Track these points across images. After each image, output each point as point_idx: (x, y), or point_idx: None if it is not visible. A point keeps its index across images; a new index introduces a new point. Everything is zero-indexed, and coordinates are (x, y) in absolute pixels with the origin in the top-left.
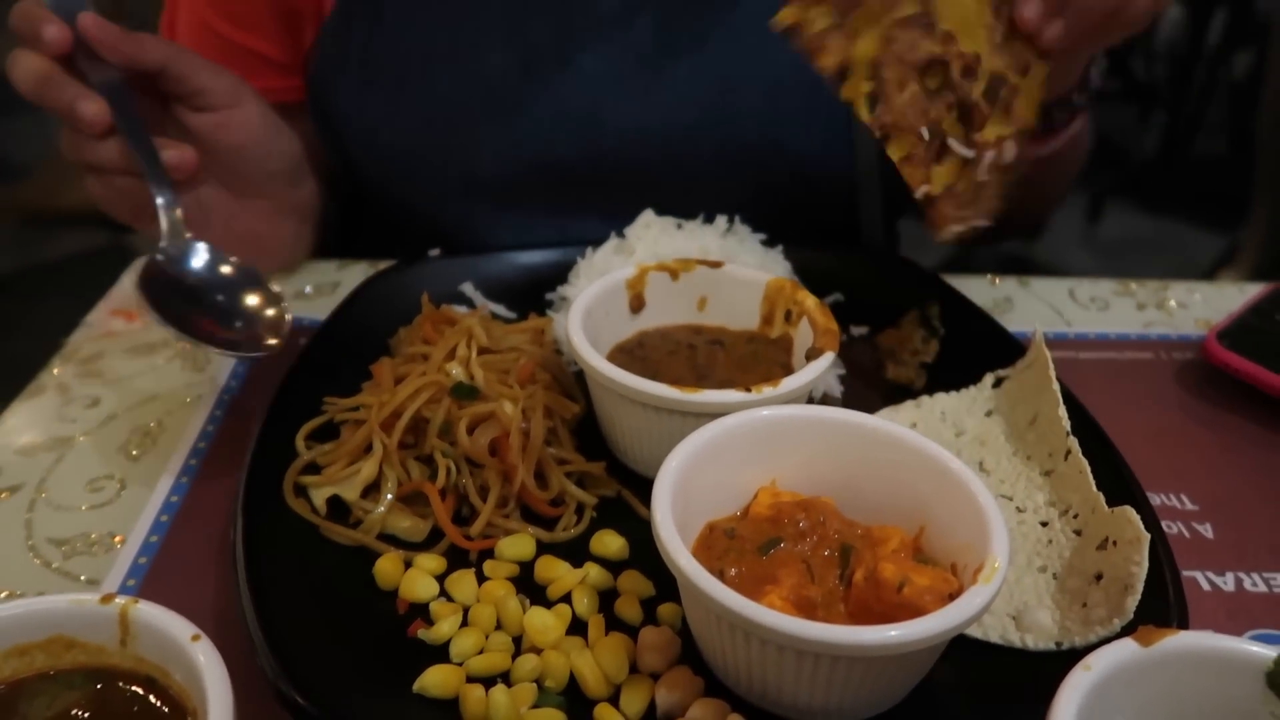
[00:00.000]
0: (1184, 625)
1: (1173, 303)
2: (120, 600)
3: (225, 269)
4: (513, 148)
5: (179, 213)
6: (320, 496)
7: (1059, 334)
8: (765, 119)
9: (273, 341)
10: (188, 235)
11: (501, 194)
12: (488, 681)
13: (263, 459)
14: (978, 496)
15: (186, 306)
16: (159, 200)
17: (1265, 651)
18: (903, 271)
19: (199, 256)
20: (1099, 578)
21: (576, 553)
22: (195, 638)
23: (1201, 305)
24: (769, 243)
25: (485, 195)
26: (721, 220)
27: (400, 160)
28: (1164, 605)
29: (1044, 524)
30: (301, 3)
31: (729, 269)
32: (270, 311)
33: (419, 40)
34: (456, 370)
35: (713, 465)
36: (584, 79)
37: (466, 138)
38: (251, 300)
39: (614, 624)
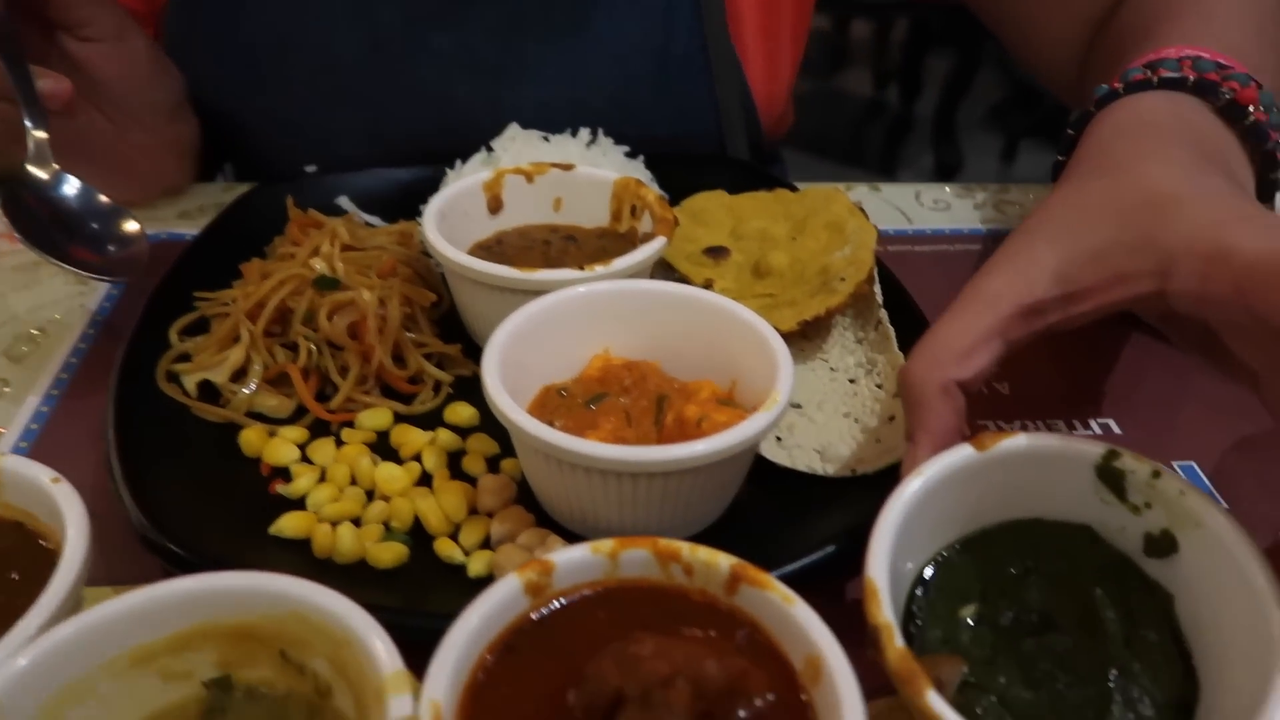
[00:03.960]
0: None
1: (1010, 204)
2: None
3: (88, 199)
4: (368, 129)
5: (47, 140)
6: (191, 382)
7: (899, 230)
8: (615, 87)
9: (129, 272)
10: (55, 166)
11: (359, 168)
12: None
13: (137, 351)
14: (775, 349)
15: (51, 230)
16: (28, 124)
17: (1095, 447)
18: (757, 179)
19: (65, 184)
20: (891, 419)
21: (432, 424)
22: (55, 479)
23: (1035, 205)
24: (632, 154)
25: (343, 168)
26: (585, 132)
27: (258, 137)
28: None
29: (851, 380)
30: None
31: (580, 170)
32: (131, 244)
33: (268, 26)
34: (320, 265)
35: (548, 336)
36: (434, 58)
37: (321, 120)
38: (113, 230)
39: (460, 478)
